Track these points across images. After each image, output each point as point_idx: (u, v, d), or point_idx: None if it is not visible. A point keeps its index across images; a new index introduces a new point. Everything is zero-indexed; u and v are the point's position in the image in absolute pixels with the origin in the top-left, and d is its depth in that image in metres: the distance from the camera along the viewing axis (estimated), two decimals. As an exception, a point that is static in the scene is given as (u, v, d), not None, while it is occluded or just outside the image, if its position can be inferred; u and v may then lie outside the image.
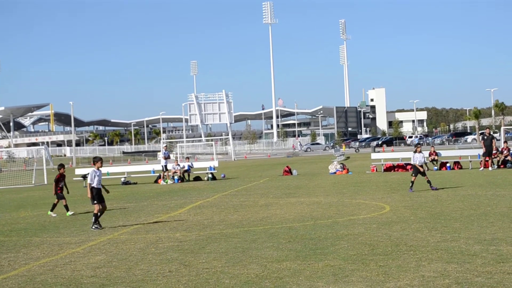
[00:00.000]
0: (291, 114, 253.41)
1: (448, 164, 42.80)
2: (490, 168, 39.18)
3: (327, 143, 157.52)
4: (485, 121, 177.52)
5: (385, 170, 43.30)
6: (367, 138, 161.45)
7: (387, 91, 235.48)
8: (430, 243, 13.61)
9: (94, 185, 19.11)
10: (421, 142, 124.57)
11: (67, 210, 24.04)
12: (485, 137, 40.11)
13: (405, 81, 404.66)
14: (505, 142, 45.54)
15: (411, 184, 27.06)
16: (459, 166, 42.93)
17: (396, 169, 43.29)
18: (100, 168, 19.57)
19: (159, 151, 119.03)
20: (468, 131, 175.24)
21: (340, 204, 23.11)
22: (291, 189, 31.46)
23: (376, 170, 43.69)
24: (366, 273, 11.05)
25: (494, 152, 40.47)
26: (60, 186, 24.13)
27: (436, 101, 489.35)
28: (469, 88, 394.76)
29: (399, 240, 14.25)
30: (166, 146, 48.67)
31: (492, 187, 27.19)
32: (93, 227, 18.81)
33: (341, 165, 46.01)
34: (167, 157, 44.15)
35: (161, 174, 43.99)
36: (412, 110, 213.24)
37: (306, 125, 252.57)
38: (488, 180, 30.85)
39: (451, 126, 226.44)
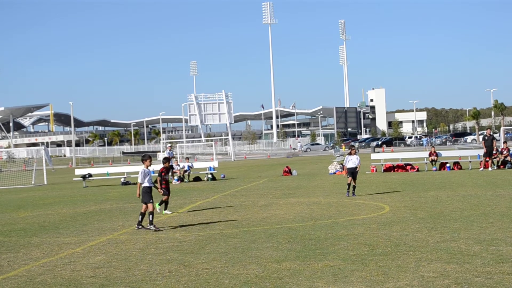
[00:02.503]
0: (291, 115, 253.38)
1: (448, 165, 42.80)
2: (490, 169, 39.20)
3: (327, 143, 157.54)
4: (484, 122, 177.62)
5: (384, 171, 43.31)
6: (367, 138, 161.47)
7: (386, 92, 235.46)
8: (430, 244, 13.62)
9: (146, 184, 18.40)
10: (422, 141, 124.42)
11: (161, 205, 22.46)
12: (486, 138, 40.14)
13: (404, 82, 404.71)
14: (505, 142, 45.57)
15: (347, 187, 26.31)
16: (459, 167, 42.95)
17: (395, 169, 43.29)
18: (149, 167, 18.68)
19: (159, 151, 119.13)
20: (468, 131, 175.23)
21: (340, 204, 23.11)
22: (291, 190, 31.46)
23: (376, 171, 43.70)
24: (365, 273, 11.06)
25: (494, 152, 40.48)
26: (166, 179, 22.56)
27: (436, 102, 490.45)
28: (468, 88, 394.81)
29: (399, 240, 14.25)
30: (170, 146, 48.54)
31: (491, 187, 27.20)
32: (139, 227, 18.30)
33: (340, 165, 45.97)
34: (172, 157, 44.05)
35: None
36: (412, 111, 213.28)
37: (306, 125, 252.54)
38: (488, 181, 30.86)
39: (451, 127, 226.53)
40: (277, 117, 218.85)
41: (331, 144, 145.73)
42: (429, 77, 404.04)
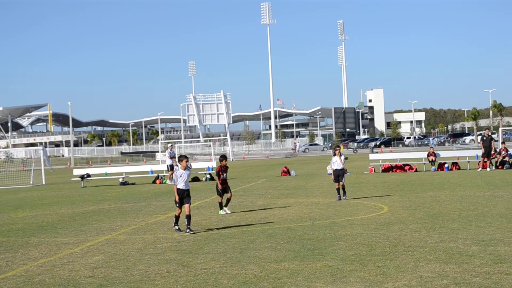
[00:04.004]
0: (289, 115, 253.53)
1: (446, 165, 42.82)
2: (488, 169, 39.21)
3: (325, 143, 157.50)
4: (483, 122, 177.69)
5: (383, 171, 43.31)
6: (365, 138, 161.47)
7: (385, 92, 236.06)
8: (428, 244, 13.62)
9: (180, 186, 17.38)
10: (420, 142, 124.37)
11: (221, 208, 22.04)
12: (484, 138, 40.16)
13: (403, 82, 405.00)
14: (503, 143, 45.61)
15: (337, 192, 24.89)
16: (457, 167, 42.95)
17: (394, 169, 43.29)
18: (186, 168, 17.61)
19: (157, 151, 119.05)
20: (466, 132, 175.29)
21: (338, 204, 23.11)
22: (289, 190, 31.47)
23: (374, 171, 43.72)
24: (364, 273, 11.06)
25: (492, 153, 40.50)
26: (223, 178, 21.89)
27: (434, 102, 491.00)
28: (467, 89, 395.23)
29: (397, 240, 14.26)
30: (171, 145, 48.47)
31: (490, 187, 27.22)
32: (175, 228, 17.47)
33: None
34: (173, 157, 43.83)
35: (169, 174, 43.59)
36: (410, 111, 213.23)
37: (304, 125, 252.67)
38: (486, 181, 30.88)
39: (449, 127, 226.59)
40: (275, 118, 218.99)
41: (330, 144, 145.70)
42: (428, 78, 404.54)
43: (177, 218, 17.61)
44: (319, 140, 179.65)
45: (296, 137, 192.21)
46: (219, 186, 21.82)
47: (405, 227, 16.40)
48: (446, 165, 42.80)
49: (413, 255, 12.45)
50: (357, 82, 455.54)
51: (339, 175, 24.69)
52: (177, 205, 17.40)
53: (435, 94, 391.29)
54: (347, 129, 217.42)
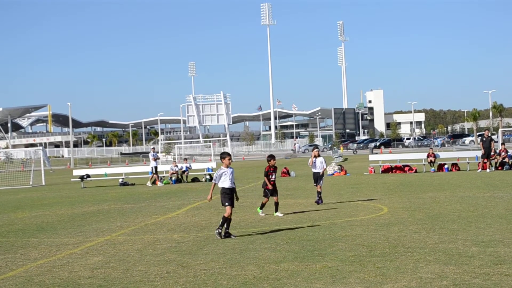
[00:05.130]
0: (289, 116, 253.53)
1: (446, 166, 42.83)
2: (488, 170, 39.22)
3: (325, 144, 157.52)
4: (482, 123, 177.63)
5: (383, 172, 43.32)
6: (365, 139, 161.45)
7: (385, 93, 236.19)
8: (428, 245, 13.62)
9: (225, 185, 16.29)
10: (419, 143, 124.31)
11: (262, 207, 21.20)
12: (484, 139, 40.18)
13: (403, 83, 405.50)
14: (503, 144, 45.61)
15: (317, 194, 23.98)
16: (457, 168, 42.96)
17: (394, 170, 43.31)
18: (229, 166, 16.47)
19: (157, 152, 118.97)
20: (466, 133, 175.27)
21: (338, 205, 23.10)
22: (289, 191, 31.48)
23: (374, 172, 43.73)
24: (363, 274, 11.05)
25: (492, 153, 40.51)
26: (273, 179, 20.71)
27: (434, 103, 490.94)
28: (467, 89, 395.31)
29: (397, 241, 14.25)
30: (154, 148, 48.51)
31: (490, 188, 27.21)
32: (217, 231, 16.20)
33: (339, 166, 46.07)
34: (156, 158, 43.77)
35: (155, 176, 43.52)
36: (410, 112, 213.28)
37: (304, 126, 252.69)
38: (486, 182, 30.87)
39: (449, 128, 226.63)
40: (275, 118, 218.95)
41: (329, 145, 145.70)
42: (428, 79, 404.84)
43: (225, 219, 16.25)
44: (319, 141, 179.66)
45: (296, 138, 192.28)
46: (269, 186, 20.59)
47: (405, 228, 16.39)
48: (445, 166, 42.81)
49: (413, 256, 12.45)
50: (357, 83, 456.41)
51: (318, 177, 24.00)
52: (226, 204, 16.22)
53: (435, 95, 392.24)
54: (347, 130, 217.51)
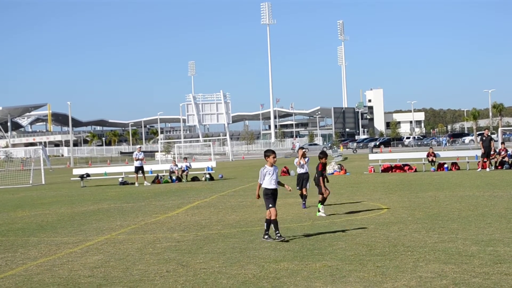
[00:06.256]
0: (289, 115, 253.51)
1: (445, 165, 42.83)
2: (487, 169, 39.22)
3: (325, 143, 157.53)
4: (482, 122, 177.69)
5: (382, 171, 43.31)
6: (365, 139, 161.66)
7: (385, 92, 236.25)
8: (428, 244, 13.62)
9: (268, 186, 15.36)
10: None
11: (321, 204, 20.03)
12: (484, 138, 40.18)
13: (403, 82, 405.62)
14: (503, 143, 45.61)
15: (301, 198, 22.94)
16: (456, 167, 42.95)
17: (393, 170, 43.30)
18: (274, 164, 15.57)
19: (157, 151, 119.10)
20: (466, 132, 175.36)
21: (338, 204, 23.11)
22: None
23: (374, 171, 43.73)
24: (363, 273, 11.05)
25: (492, 153, 40.51)
26: (326, 176, 20.18)
27: (434, 102, 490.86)
28: (466, 89, 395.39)
29: (397, 240, 14.25)
30: (140, 147, 48.37)
31: (489, 188, 27.21)
32: (265, 237, 15.28)
33: (338, 165, 46.06)
34: (140, 159, 43.40)
35: (136, 175, 43.24)
36: (410, 111, 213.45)
37: (304, 125, 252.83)
38: (486, 181, 30.87)
39: (449, 127, 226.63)
40: (275, 118, 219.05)
41: (329, 144, 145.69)
42: (427, 78, 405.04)
43: (269, 222, 15.38)
44: (318, 140, 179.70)
45: (296, 137, 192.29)
46: (323, 187, 19.67)
47: (405, 227, 16.39)
48: (445, 165, 42.81)
49: (413, 255, 12.45)
50: (356, 82, 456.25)
51: (304, 179, 22.70)
52: (270, 206, 15.30)
53: (434, 94, 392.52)
54: (347, 129, 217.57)
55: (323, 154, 20.38)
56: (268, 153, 15.57)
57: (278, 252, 13.47)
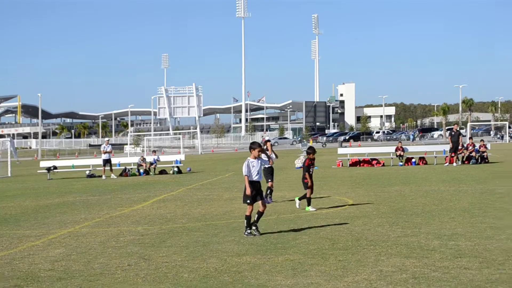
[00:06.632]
0: (260, 108, 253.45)
1: (413, 160, 43.08)
2: (454, 164, 39.52)
3: (295, 137, 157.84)
4: (452, 117, 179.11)
5: (351, 165, 43.46)
6: (335, 133, 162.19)
7: (357, 86, 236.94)
8: (391, 238, 13.67)
9: (251, 178, 14.97)
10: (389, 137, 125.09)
11: (309, 204, 19.67)
12: (453, 133, 40.47)
13: (375, 77, 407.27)
14: (471, 138, 46.00)
15: (269, 192, 22.26)
16: (424, 162, 43.20)
17: (361, 164, 43.47)
18: (259, 157, 15.18)
19: (126, 144, 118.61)
20: (435, 127, 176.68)
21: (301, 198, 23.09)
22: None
23: (342, 165, 43.87)
24: (325, 267, 11.05)
25: (459, 148, 40.82)
26: (310, 173, 19.68)
27: (405, 97, 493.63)
28: (438, 84, 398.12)
29: (360, 234, 14.29)
30: (108, 140, 48.09)
31: (455, 182, 27.40)
32: (246, 233, 14.93)
33: (307, 159, 46.08)
34: (108, 151, 43.10)
35: (104, 168, 43.02)
36: (381, 106, 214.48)
37: (275, 119, 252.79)
38: (452, 176, 31.08)
39: (419, 122, 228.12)
40: (246, 111, 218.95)
41: (299, 138, 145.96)
42: (400, 73, 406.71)
43: (249, 218, 15.09)
44: (288, 134, 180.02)
45: (266, 130, 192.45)
46: (310, 182, 19.50)
47: (369, 221, 16.44)
48: (413, 160, 43.06)
49: (375, 249, 12.48)
50: (330, 76, 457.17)
51: (271, 172, 21.85)
52: (248, 201, 14.95)
53: (406, 89, 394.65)
54: (317, 123, 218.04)
55: (312, 150, 20.07)
56: (254, 145, 15.30)
57: (241, 246, 13.44)
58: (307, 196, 19.57)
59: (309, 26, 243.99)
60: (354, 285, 9.81)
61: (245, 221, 15.05)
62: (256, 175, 15.00)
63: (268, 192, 21.98)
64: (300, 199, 19.98)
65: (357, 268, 10.86)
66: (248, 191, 14.87)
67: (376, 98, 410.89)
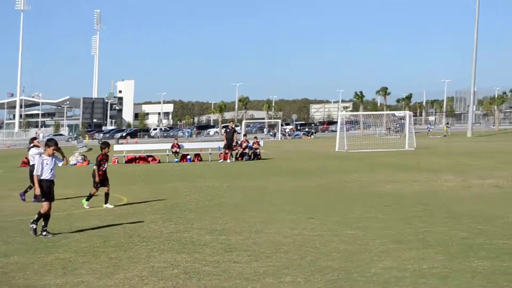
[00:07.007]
0: (36, 104, 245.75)
1: (188, 156, 43.64)
2: (228, 160, 40.50)
3: (71, 134, 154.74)
4: (228, 115, 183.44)
5: (126, 162, 43.27)
6: (112, 129, 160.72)
7: (136, 83, 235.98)
8: (164, 234, 13.77)
9: (47, 177, 14.45)
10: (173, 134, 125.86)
11: (88, 199, 19.33)
12: (228, 130, 41.44)
13: (155, 74, 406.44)
14: (245, 135, 47.35)
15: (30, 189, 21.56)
16: (199, 158, 43.87)
17: (137, 161, 43.42)
18: (52, 154, 14.56)
19: None
20: (212, 124, 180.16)
21: (79, 197, 22.65)
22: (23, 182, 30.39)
23: (118, 162, 43.57)
24: (96, 265, 10.94)
25: (234, 144, 41.89)
26: (104, 169, 19.39)
27: (184, 95, 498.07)
28: (216, 82, 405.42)
29: (133, 231, 14.27)
30: None
31: (229, 178, 28.09)
32: (43, 234, 14.14)
33: (82, 156, 45.42)
34: None
35: None
36: (159, 103, 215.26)
37: (51, 115, 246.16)
38: (226, 172, 31.84)
39: (196, 119, 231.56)
40: (21, 107, 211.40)
41: (75, 135, 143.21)
42: (178, 70, 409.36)
43: (44, 216, 14.39)
44: (64, 131, 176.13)
45: (41, 127, 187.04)
46: (97, 178, 19.19)
47: (143, 218, 16.47)
48: (188, 157, 43.61)
49: (147, 245, 12.52)
50: (111, 73, 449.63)
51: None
52: (43, 199, 14.43)
53: (185, 87, 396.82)
54: (95, 120, 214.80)
55: (105, 144, 19.83)
56: (50, 143, 14.68)
57: (10, 246, 12.98)
58: (92, 193, 19.40)
59: (91, 22, 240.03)
60: (125, 281, 9.79)
61: (38, 217, 14.37)
62: (49, 173, 14.48)
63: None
64: (106, 202, 19.52)
65: (129, 265, 10.85)
66: (38, 191, 14.38)
67: (155, 95, 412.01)
